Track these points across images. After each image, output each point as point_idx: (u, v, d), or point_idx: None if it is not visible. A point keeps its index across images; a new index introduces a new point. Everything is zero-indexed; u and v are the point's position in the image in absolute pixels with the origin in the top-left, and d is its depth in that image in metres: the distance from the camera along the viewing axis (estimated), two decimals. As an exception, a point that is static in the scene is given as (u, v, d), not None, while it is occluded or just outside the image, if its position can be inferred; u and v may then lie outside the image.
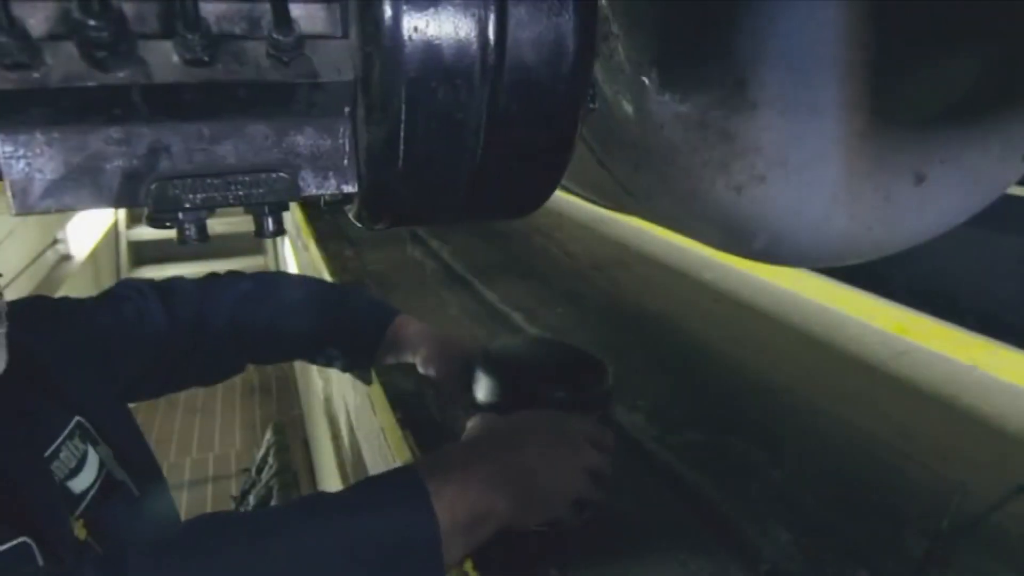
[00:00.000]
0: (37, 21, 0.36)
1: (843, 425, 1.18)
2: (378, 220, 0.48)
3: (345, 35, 0.41)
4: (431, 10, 0.38)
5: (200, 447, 4.65)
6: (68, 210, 0.40)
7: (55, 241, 4.49)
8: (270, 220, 0.44)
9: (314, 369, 3.08)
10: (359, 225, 0.50)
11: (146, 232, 5.70)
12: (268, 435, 2.29)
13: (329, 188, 0.43)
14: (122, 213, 5.93)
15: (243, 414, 4.96)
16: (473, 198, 0.46)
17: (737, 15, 0.68)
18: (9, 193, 0.38)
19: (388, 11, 0.37)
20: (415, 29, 0.38)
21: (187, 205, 0.41)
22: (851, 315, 1.57)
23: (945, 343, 1.41)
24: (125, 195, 0.40)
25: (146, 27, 0.37)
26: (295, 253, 3.96)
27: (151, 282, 1.04)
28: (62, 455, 0.73)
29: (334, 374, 2.38)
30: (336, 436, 2.49)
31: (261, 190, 0.42)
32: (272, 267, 5.68)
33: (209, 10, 0.37)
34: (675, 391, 1.28)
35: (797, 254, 0.84)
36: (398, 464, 1.13)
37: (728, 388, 1.32)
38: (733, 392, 1.30)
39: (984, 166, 0.83)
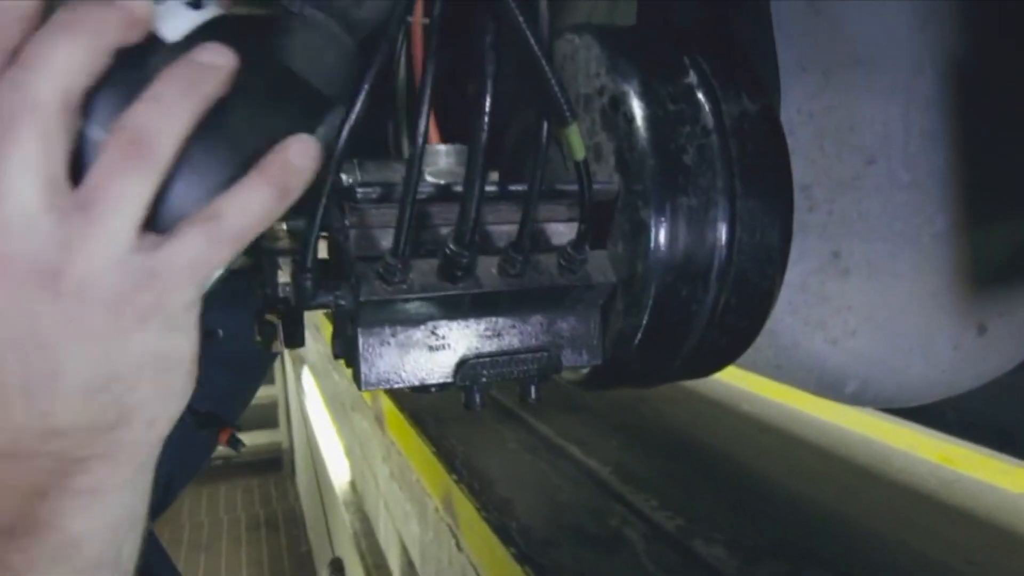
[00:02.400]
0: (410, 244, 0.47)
1: (912, 554, 1.24)
2: (604, 385, 0.58)
3: (603, 246, 0.53)
4: (684, 229, 0.50)
5: (205, 586, 4.51)
6: (394, 387, 0.50)
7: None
8: (533, 388, 0.54)
9: (340, 502, 3.08)
10: (579, 388, 0.60)
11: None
12: (325, 574, 2.27)
13: (581, 362, 0.54)
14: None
15: (249, 550, 4.83)
16: (684, 367, 0.57)
17: (834, 201, 0.82)
18: (358, 375, 0.48)
19: (653, 231, 0.49)
20: (671, 244, 0.50)
21: (483, 380, 0.51)
22: (894, 446, 1.66)
23: (990, 472, 1.50)
24: (438, 374, 0.50)
25: (484, 248, 0.48)
26: (316, 380, 4.00)
27: None
28: None
29: (381, 506, 2.40)
30: (371, 573, 2.47)
31: (534, 366, 0.52)
32: (281, 394, 5.68)
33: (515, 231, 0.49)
34: (746, 522, 1.35)
35: (882, 397, 0.95)
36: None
37: (795, 519, 1.38)
38: (800, 523, 1.36)
39: (1035, 317, 0.96)
